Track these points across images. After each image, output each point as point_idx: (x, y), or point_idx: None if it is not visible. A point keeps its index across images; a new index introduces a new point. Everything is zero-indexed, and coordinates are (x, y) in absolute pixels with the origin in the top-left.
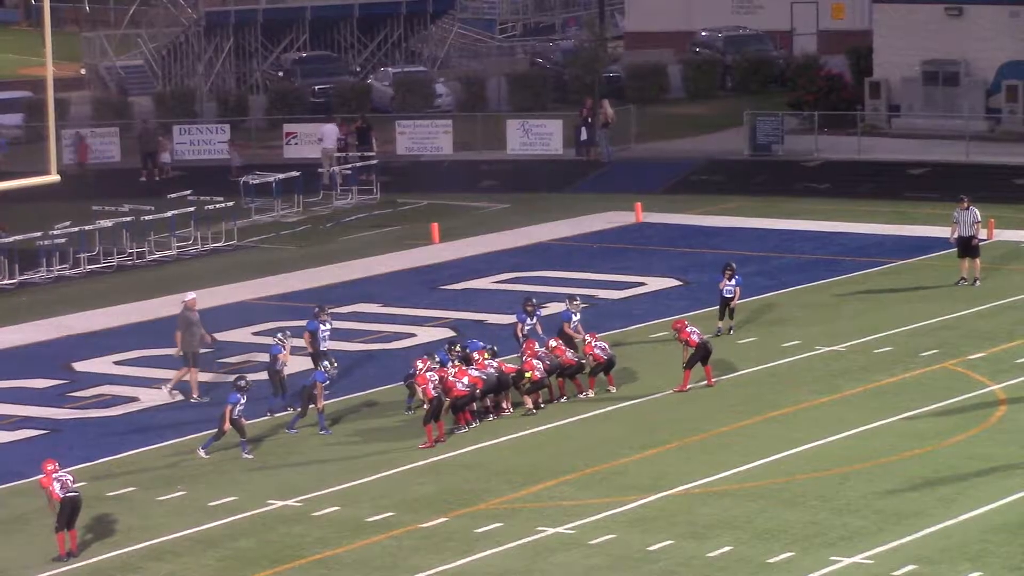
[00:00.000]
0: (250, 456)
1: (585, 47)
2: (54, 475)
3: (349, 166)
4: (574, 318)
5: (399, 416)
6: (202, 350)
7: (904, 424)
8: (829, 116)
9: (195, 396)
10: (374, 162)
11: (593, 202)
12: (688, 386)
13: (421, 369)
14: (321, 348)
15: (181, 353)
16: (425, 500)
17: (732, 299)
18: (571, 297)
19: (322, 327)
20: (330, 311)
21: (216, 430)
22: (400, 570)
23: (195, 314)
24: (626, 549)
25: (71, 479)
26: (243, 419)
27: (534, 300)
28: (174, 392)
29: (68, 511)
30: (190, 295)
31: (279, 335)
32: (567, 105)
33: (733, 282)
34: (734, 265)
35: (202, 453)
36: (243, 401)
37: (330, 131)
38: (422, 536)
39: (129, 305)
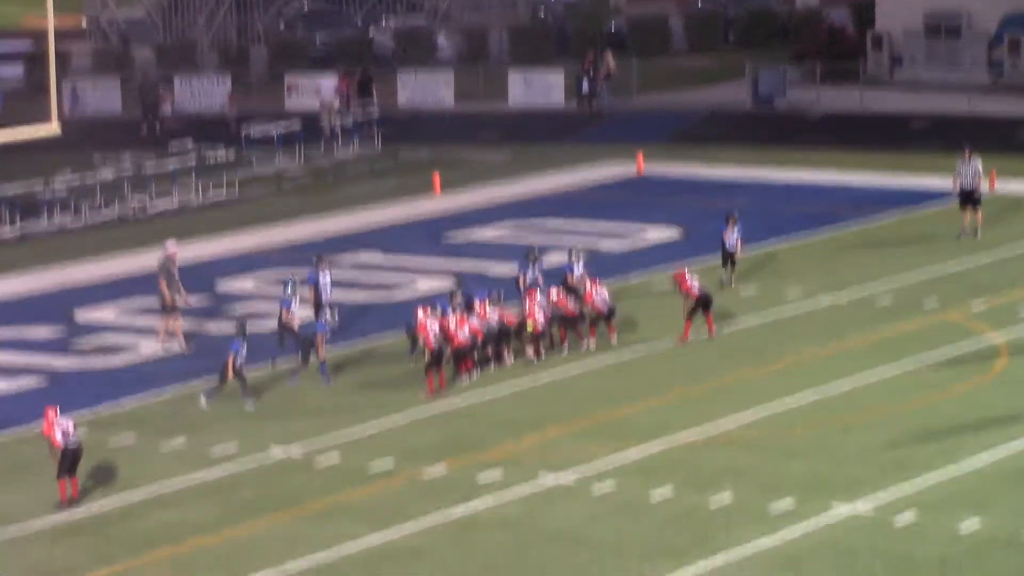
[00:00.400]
0: (252, 408)
1: None
2: (55, 422)
3: (351, 118)
4: (577, 269)
5: (401, 365)
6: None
7: (906, 375)
8: (831, 68)
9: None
10: (375, 115)
11: (595, 153)
12: (689, 336)
13: (422, 318)
14: (323, 300)
15: (170, 302)
16: (426, 449)
17: (735, 252)
18: (573, 248)
19: (322, 278)
20: (330, 261)
21: (218, 379)
22: (402, 518)
23: (174, 265)
24: (628, 498)
25: (72, 426)
26: (244, 368)
27: (536, 251)
28: (167, 347)
29: (70, 459)
30: (172, 247)
31: (289, 287)
32: (569, 57)
33: (736, 232)
34: (737, 214)
35: (203, 402)
36: (243, 351)
37: (327, 84)
38: (423, 484)
39: (130, 255)
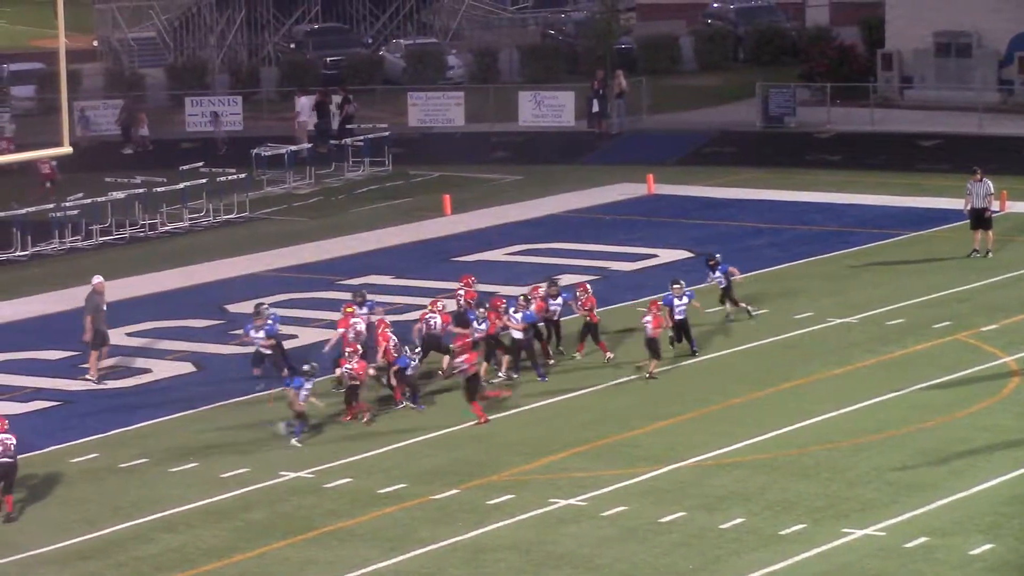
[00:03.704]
0: (298, 444)
1: (597, 18)
2: None
3: (361, 137)
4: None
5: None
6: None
7: (916, 396)
8: (841, 88)
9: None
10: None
11: (605, 174)
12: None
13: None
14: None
15: (90, 338)
16: (437, 472)
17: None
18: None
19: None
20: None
21: (295, 417)
22: (412, 541)
23: (102, 298)
24: (638, 521)
25: (13, 443)
26: (304, 404)
27: (557, 282)
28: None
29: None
30: (97, 279)
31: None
32: (579, 77)
33: (685, 299)
34: (718, 257)
35: (295, 442)
36: (308, 386)
37: (304, 102)
38: (434, 508)
39: (142, 276)
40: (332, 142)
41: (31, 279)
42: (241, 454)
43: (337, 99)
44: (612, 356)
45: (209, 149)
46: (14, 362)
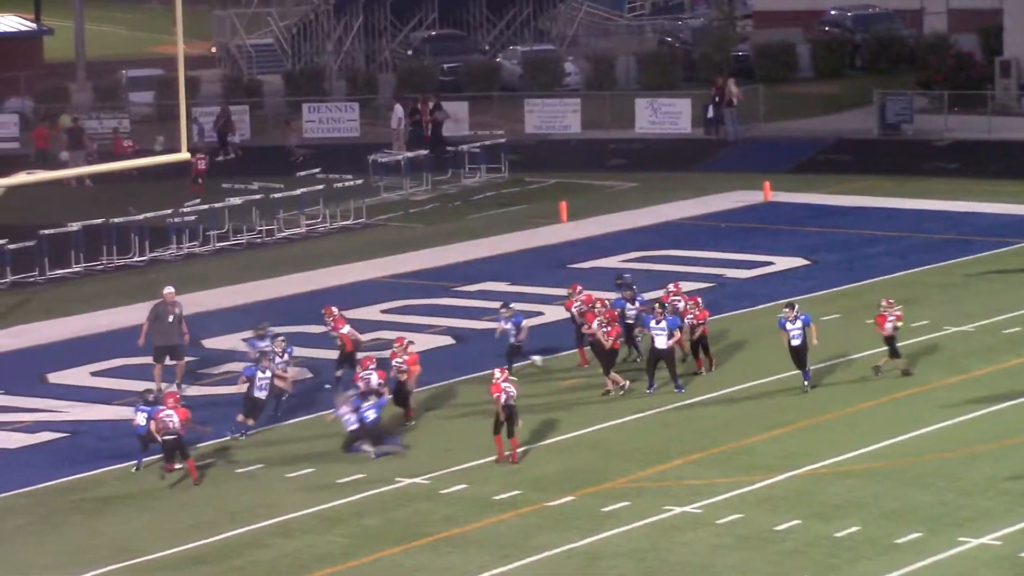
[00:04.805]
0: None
1: (714, 26)
2: None
3: (477, 144)
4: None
5: (524, 392)
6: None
7: None
8: (959, 95)
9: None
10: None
11: (721, 181)
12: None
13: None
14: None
15: (143, 344)
16: (551, 479)
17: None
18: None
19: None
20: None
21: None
22: (527, 548)
23: (172, 308)
24: (753, 529)
25: (175, 420)
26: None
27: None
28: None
29: None
30: (168, 289)
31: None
32: (696, 84)
33: (799, 324)
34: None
35: (372, 454)
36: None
37: (398, 108)
38: (549, 514)
39: (258, 282)
40: (425, 152)
41: (148, 285)
42: (356, 460)
43: (428, 106)
44: (709, 372)
45: (340, 154)
46: (131, 367)
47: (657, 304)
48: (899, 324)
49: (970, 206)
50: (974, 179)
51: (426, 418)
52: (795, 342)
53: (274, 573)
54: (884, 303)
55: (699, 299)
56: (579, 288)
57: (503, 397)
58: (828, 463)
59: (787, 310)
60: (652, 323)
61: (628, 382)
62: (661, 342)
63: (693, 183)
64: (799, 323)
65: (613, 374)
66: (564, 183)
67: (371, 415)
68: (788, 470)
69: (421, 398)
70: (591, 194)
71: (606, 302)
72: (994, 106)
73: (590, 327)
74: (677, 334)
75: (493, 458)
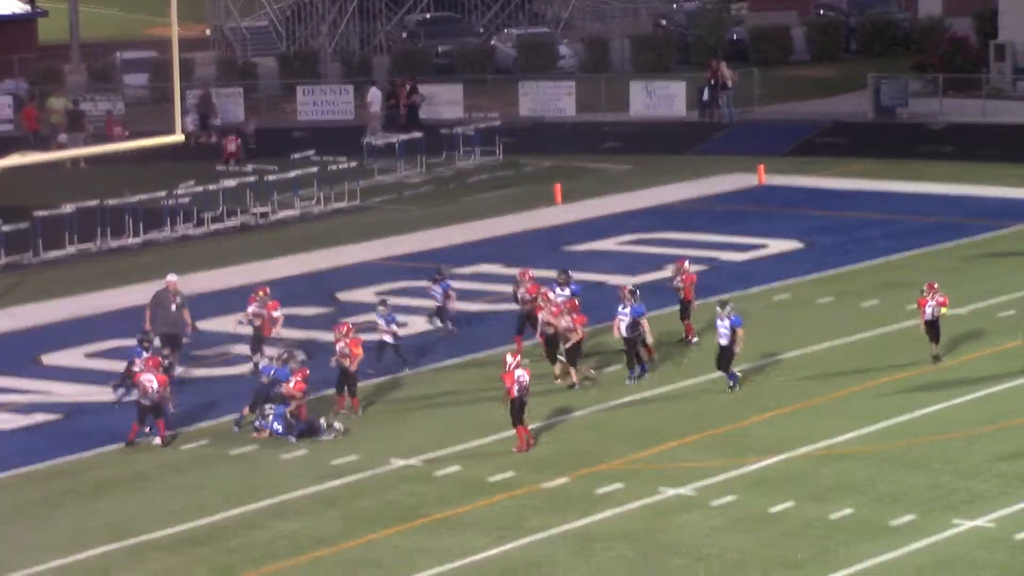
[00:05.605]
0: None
1: (709, 9)
2: None
3: (472, 127)
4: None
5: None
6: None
7: None
8: (954, 79)
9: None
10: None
11: (716, 164)
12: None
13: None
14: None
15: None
16: (546, 460)
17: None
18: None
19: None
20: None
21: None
22: (522, 530)
23: (173, 296)
24: (748, 511)
25: (154, 384)
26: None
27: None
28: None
29: None
30: (171, 277)
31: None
32: (690, 67)
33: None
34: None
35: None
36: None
37: (375, 92)
38: (544, 496)
39: (252, 264)
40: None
41: (143, 267)
42: (351, 442)
43: (405, 90)
44: (696, 340)
45: (334, 137)
46: (124, 349)
47: (627, 289)
48: (943, 310)
49: (965, 189)
50: (968, 162)
51: (419, 401)
52: (722, 341)
53: (270, 554)
54: (926, 287)
55: (685, 263)
56: (529, 275)
57: (515, 388)
58: (822, 445)
59: (719, 308)
60: (619, 308)
61: (594, 370)
62: (625, 329)
63: (687, 166)
64: (727, 322)
65: (581, 367)
66: (559, 166)
67: (277, 426)
68: (782, 452)
69: (415, 380)
70: (586, 177)
71: (549, 295)
72: (989, 89)
73: (551, 323)
74: (644, 323)
75: (513, 447)
